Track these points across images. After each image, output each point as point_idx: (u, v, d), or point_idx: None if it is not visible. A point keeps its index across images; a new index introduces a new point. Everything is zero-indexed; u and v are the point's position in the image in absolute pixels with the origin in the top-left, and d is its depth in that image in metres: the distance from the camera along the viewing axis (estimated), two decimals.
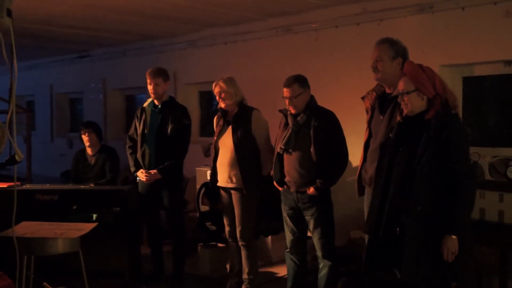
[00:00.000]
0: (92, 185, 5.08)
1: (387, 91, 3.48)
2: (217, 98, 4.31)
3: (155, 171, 4.51)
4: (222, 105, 4.28)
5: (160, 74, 4.61)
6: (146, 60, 7.71)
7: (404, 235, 2.77)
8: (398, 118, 3.16)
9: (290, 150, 3.82)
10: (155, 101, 4.66)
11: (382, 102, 3.48)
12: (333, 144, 3.77)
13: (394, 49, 3.42)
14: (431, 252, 2.74)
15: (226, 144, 4.26)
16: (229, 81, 4.25)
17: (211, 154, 4.48)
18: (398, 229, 2.81)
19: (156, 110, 4.64)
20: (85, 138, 5.42)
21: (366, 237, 3.19)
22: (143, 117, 4.70)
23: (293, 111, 3.85)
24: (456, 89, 4.82)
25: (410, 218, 2.76)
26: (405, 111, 2.95)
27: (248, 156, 4.19)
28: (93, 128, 5.45)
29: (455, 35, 4.63)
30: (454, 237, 2.71)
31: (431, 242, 2.74)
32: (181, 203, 4.72)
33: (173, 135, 4.51)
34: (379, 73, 3.42)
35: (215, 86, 4.27)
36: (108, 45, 8.20)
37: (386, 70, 3.40)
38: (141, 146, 4.64)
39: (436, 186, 2.75)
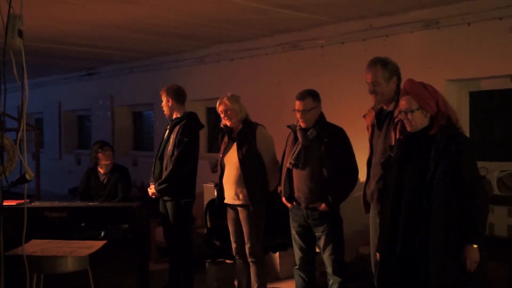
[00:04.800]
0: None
1: (384, 107, 3.53)
2: (221, 116, 4.33)
3: (152, 187, 4.60)
4: (227, 123, 4.30)
5: (163, 91, 4.72)
6: (153, 77, 7.77)
7: (425, 248, 2.76)
8: (392, 134, 3.19)
9: (301, 166, 3.83)
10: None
11: (380, 119, 3.53)
12: (344, 160, 3.80)
13: (388, 69, 3.46)
14: (454, 263, 2.76)
15: (231, 161, 4.27)
16: (233, 99, 4.28)
17: (218, 170, 4.50)
18: (417, 243, 2.80)
19: (169, 126, 4.72)
20: (104, 156, 5.42)
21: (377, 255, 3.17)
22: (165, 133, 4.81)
23: (303, 125, 3.86)
24: (463, 104, 4.83)
25: (430, 231, 2.75)
26: (408, 129, 2.97)
27: (254, 172, 4.20)
28: (111, 146, 5.53)
29: (461, 50, 4.65)
30: (475, 246, 2.74)
31: (453, 253, 2.76)
32: (185, 220, 4.69)
33: (172, 152, 4.54)
34: (378, 95, 3.47)
35: (219, 104, 4.29)
36: (115, 62, 8.27)
37: (384, 92, 3.46)
38: (155, 161, 4.74)
39: (450, 197, 2.78)
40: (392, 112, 3.42)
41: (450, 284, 2.76)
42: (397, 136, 3.21)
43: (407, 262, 2.85)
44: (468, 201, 2.76)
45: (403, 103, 2.96)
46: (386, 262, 2.97)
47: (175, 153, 4.49)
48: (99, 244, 3.51)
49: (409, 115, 2.90)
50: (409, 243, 2.83)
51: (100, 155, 5.42)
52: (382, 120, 3.51)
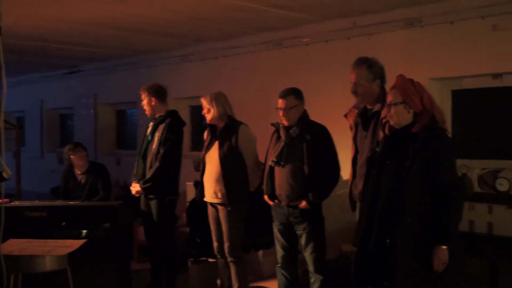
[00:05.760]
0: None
1: (368, 107, 3.53)
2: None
3: (137, 185, 4.54)
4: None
5: (143, 90, 4.68)
6: (137, 74, 7.72)
7: (395, 247, 2.76)
8: (381, 133, 3.19)
9: (282, 163, 3.81)
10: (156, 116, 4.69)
11: (365, 118, 3.52)
12: (326, 158, 3.78)
13: (372, 71, 3.46)
14: (422, 263, 2.75)
15: (213, 159, 4.25)
16: (211, 97, 4.27)
17: (201, 168, 4.47)
18: (388, 241, 2.80)
19: (153, 124, 4.67)
20: (76, 158, 5.34)
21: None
22: (147, 130, 4.76)
23: (286, 123, 3.85)
24: (445, 102, 4.86)
25: (400, 230, 2.76)
26: (391, 122, 2.97)
27: (234, 171, 4.18)
28: (82, 146, 5.42)
29: (443, 49, 4.68)
30: (444, 247, 2.72)
31: (422, 253, 2.75)
32: (169, 219, 4.65)
33: (157, 150, 4.50)
34: (359, 96, 3.49)
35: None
36: (99, 60, 8.20)
37: (365, 93, 3.47)
38: (138, 160, 4.69)
39: (424, 197, 2.76)
40: (379, 113, 3.41)
41: (416, 283, 2.75)
42: None
43: (381, 259, 2.84)
44: (442, 203, 2.73)
45: (389, 96, 2.98)
46: (362, 257, 2.97)
47: (161, 151, 4.46)
48: (78, 243, 3.47)
49: (392, 108, 2.91)
50: (380, 241, 2.83)
51: (72, 157, 5.33)
52: (367, 119, 3.50)
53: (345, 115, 3.73)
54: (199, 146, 7.17)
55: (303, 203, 3.72)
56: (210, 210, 4.37)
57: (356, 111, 3.62)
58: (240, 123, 4.31)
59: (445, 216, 2.73)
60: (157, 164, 4.45)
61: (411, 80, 2.95)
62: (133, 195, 4.71)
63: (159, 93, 4.68)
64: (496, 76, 4.56)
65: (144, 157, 4.65)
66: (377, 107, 3.45)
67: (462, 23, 4.55)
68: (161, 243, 4.64)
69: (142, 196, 4.64)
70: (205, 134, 4.49)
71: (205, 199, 4.34)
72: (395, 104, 2.90)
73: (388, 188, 2.84)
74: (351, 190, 3.65)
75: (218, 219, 4.29)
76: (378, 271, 2.87)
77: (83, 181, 5.39)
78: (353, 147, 3.65)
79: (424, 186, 2.76)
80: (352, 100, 3.73)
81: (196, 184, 4.82)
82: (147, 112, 4.71)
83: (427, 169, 2.75)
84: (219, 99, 4.28)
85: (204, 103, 4.29)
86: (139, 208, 4.76)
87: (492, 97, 4.72)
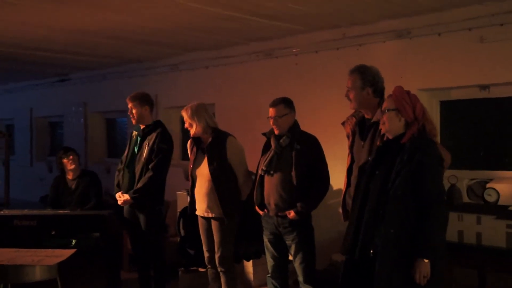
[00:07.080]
0: (79, 210, 5.05)
1: (366, 116, 3.54)
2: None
3: (126, 195, 4.49)
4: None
5: (135, 98, 4.63)
6: (127, 83, 7.70)
7: (377, 257, 2.78)
8: (378, 142, 3.21)
9: (272, 172, 3.83)
10: (141, 125, 4.65)
11: (362, 128, 3.53)
12: (315, 169, 3.80)
13: (363, 79, 3.47)
14: (403, 275, 2.75)
15: (203, 173, 4.23)
16: (192, 110, 4.23)
17: (189, 180, 4.45)
18: (371, 251, 2.82)
19: (139, 134, 4.64)
20: (68, 162, 5.35)
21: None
22: (131, 140, 4.72)
23: (276, 132, 3.88)
24: (434, 113, 4.90)
25: (382, 241, 2.77)
26: (382, 129, 3.00)
27: (226, 184, 4.16)
28: (74, 151, 5.44)
29: (432, 60, 4.73)
30: (426, 260, 2.72)
31: (404, 265, 2.75)
32: (159, 228, 4.63)
33: (147, 159, 4.48)
34: (351, 102, 3.51)
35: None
36: (89, 68, 8.18)
37: (357, 99, 3.47)
38: (123, 169, 4.64)
39: (408, 209, 2.77)
40: (377, 123, 3.42)
41: None
42: None
43: (366, 268, 2.85)
44: (424, 216, 2.74)
45: (384, 104, 3.02)
46: (349, 266, 2.99)
47: (154, 160, 4.43)
48: (68, 252, 3.46)
49: (385, 115, 2.95)
50: (365, 250, 2.85)
51: (64, 161, 5.34)
52: (365, 129, 3.50)
53: (343, 123, 3.71)
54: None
55: (292, 213, 3.73)
56: (201, 221, 4.35)
57: (354, 119, 3.61)
58: (227, 134, 4.29)
59: (427, 229, 2.72)
60: (150, 173, 4.41)
61: (408, 91, 3.00)
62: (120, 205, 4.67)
63: (151, 101, 4.69)
64: (483, 87, 4.61)
65: (129, 167, 4.62)
66: (375, 117, 3.47)
67: (450, 35, 4.61)
68: (150, 252, 4.62)
69: (126, 206, 4.61)
70: (189, 145, 4.46)
71: (197, 212, 4.32)
72: (388, 110, 2.94)
73: (374, 198, 2.87)
74: (344, 199, 3.63)
75: (210, 230, 4.28)
76: (364, 280, 2.88)
77: (73, 187, 5.38)
78: (349, 156, 3.63)
79: (408, 197, 2.77)
80: (340, 109, 3.75)
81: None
82: (134, 120, 4.66)
83: (412, 181, 2.77)
84: (200, 112, 4.23)
85: (185, 117, 4.24)
86: (124, 218, 4.72)
87: (479, 108, 4.78)
